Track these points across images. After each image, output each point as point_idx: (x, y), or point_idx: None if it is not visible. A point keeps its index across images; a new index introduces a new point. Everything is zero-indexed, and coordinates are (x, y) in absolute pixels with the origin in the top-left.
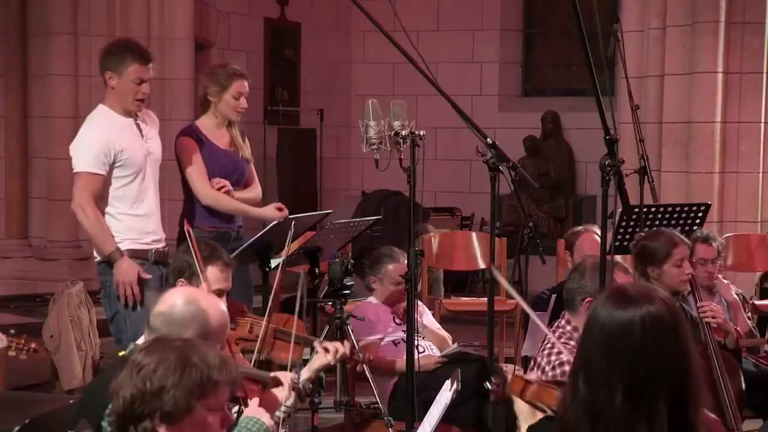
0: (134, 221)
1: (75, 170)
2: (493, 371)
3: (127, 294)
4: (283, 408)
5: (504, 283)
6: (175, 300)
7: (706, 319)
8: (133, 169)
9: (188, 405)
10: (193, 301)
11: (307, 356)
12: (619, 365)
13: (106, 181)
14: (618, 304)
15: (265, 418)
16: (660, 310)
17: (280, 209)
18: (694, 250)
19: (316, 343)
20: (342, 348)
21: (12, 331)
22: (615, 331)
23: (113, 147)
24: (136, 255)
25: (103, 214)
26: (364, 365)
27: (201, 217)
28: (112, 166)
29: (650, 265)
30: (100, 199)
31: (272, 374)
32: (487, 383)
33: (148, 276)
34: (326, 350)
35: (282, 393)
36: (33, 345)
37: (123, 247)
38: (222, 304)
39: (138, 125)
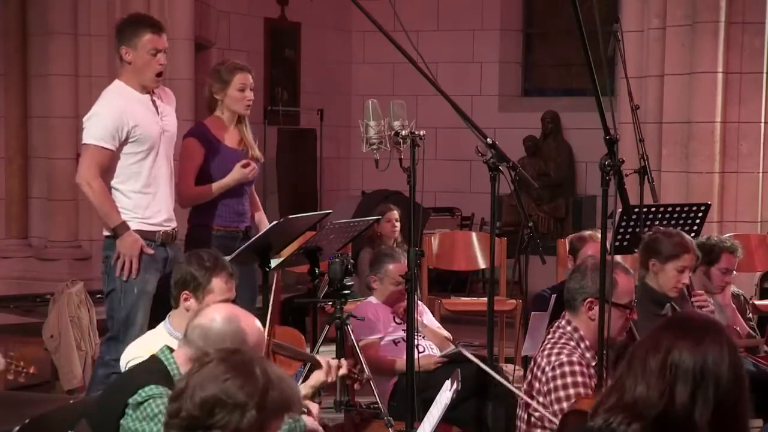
0: (144, 199)
1: (83, 141)
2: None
3: (125, 267)
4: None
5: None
6: (215, 315)
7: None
8: (147, 145)
9: (261, 425)
10: (233, 320)
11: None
12: (668, 375)
13: (114, 156)
14: (692, 343)
15: (308, 421)
16: (723, 351)
17: (244, 165)
18: (720, 257)
19: (322, 359)
20: (342, 368)
21: (12, 354)
22: (677, 358)
23: (127, 122)
24: (143, 237)
25: (109, 188)
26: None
27: (208, 216)
28: (124, 142)
29: (654, 258)
30: (106, 173)
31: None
32: None
33: (151, 251)
34: (329, 367)
35: (318, 377)
36: (32, 369)
37: (131, 227)
38: (259, 323)
39: (154, 101)
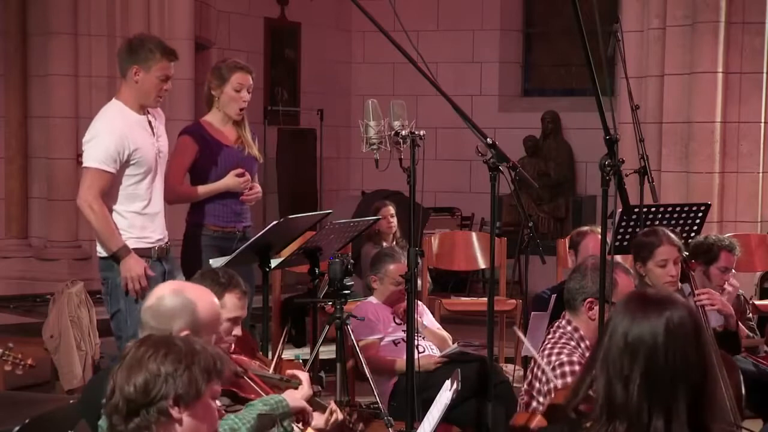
0: (139, 219)
1: (84, 164)
2: (493, 371)
3: (135, 288)
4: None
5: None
6: (162, 293)
7: (706, 307)
8: (145, 168)
9: (197, 388)
10: (179, 292)
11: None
12: (639, 364)
13: (114, 178)
14: (640, 310)
15: (290, 399)
16: (683, 314)
17: (239, 175)
18: (718, 256)
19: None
20: (339, 415)
21: (10, 345)
22: (637, 335)
23: (128, 146)
24: (139, 254)
25: (110, 210)
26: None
27: (206, 216)
28: (124, 165)
29: (637, 262)
30: (107, 196)
31: (289, 372)
32: None
33: (152, 273)
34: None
35: (302, 391)
36: (29, 361)
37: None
38: (213, 296)
39: (150, 122)
